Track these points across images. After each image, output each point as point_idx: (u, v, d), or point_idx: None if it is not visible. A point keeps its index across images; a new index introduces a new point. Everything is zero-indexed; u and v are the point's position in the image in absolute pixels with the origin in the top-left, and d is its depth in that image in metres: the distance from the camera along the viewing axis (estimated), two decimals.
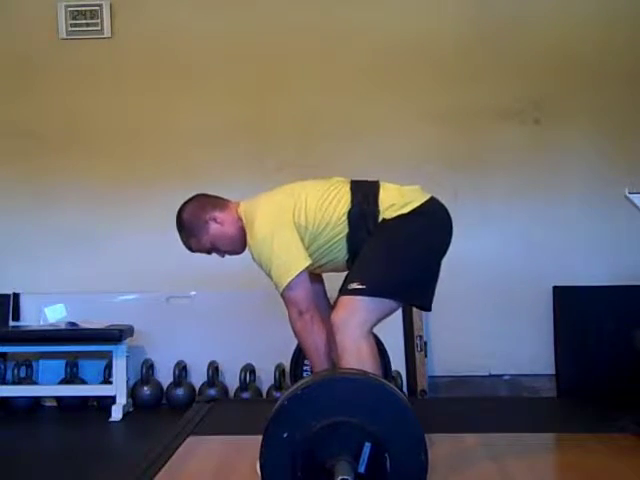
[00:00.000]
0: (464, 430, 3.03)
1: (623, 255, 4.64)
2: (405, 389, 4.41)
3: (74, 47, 4.80)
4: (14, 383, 4.50)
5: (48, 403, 4.59)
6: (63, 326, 4.44)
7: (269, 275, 2.61)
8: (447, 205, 2.71)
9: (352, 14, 4.74)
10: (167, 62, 4.78)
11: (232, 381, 4.53)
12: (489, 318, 4.65)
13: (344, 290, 2.53)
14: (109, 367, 4.48)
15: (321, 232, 2.61)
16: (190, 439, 2.99)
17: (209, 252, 2.80)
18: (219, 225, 2.73)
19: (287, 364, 3.34)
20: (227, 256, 2.84)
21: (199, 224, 2.73)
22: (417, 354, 4.52)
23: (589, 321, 4.53)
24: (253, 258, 2.64)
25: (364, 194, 2.62)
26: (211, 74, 4.79)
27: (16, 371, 4.52)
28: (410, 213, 2.58)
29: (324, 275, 2.87)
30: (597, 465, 2.61)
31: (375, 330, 2.56)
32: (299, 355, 3.07)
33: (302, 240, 2.60)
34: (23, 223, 4.79)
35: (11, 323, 4.67)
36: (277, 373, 4.40)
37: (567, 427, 3.13)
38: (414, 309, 4.36)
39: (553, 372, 4.60)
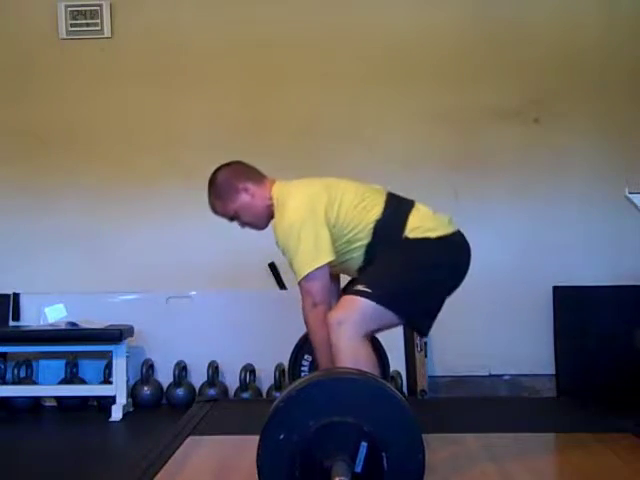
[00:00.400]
0: (464, 430, 3.02)
1: (623, 255, 4.64)
2: (405, 389, 4.41)
3: (74, 47, 4.80)
4: (14, 383, 4.50)
5: (48, 403, 4.59)
6: (63, 326, 4.44)
7: (290, 262, 2.60)
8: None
9: (352, 14, 4.75)
10: (167, 62, 4.78)
11: (232, 381, 4.53)
12: (489, 318, 4.65)
13: (349, 290, 2.54)
14: (109, 367, 4.48)
15: (346, 234, 2.60)
16: (190, 439, 2.98)
17: (231, 219, 2.78)
18: (249, 197, 2.71)
19: (287, 364, 3.33)
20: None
21: (230, 190, 2.72)
22: (417, 354, 4.51)
23: (589, 321, 4.54)
24: (276, 242, 2.63)
25: (396, 208, 2.63)
26: (211, 74, 4.79)
27: (16, 371, 4.51)
28: (435, 239, 2.59)
29: None
30: (597, 465, 2.60)
31: None
32: (297, 354, 3.08)
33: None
34: (23, 223, 4.79)
35: (11, 323, 4.67)
36: (277, 373, 4.39)
37: (567, 427, 3.12)
38: None
39: (553, 372, 4.60)
